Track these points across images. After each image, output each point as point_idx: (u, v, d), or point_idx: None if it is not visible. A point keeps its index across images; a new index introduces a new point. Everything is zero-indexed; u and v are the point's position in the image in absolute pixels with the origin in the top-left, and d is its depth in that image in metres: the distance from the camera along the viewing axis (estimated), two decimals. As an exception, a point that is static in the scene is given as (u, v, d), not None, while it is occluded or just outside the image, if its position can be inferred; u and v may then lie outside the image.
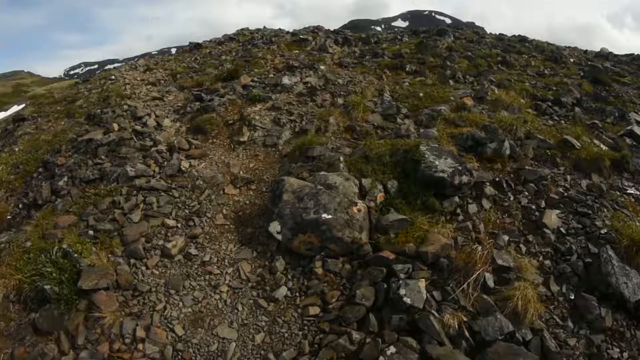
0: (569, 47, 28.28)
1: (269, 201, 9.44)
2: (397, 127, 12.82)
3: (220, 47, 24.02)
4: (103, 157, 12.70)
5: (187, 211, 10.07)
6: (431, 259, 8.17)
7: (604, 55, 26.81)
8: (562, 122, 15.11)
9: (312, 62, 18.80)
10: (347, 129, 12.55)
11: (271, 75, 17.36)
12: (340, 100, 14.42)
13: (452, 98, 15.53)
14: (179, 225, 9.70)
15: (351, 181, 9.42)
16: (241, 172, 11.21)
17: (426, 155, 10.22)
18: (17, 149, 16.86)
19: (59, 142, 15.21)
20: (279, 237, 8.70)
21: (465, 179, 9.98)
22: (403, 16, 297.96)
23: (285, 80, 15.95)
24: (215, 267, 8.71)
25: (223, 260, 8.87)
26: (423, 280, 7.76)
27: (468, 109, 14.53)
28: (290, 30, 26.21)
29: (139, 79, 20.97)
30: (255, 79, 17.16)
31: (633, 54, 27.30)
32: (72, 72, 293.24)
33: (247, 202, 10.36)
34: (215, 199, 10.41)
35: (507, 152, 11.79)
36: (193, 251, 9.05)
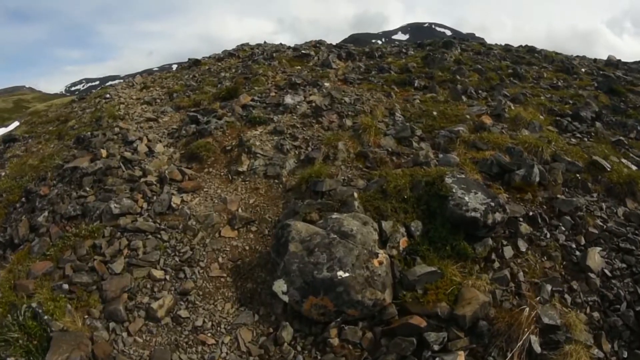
0: (578, 56, 26.67)
1: (273, 250, 7.71)
2: (414, 152, 11.17)
3: (219, 64, 22.39)
4: (88, 188, 11.10)
5: (177, 259, 8.39)
6: (469, 322, 6.62)
7: (613, 63, 25.23)
8: (586, 139, 13.70)
9: (316, 79, 17.16)
10: (358, 155, 10.88)
11: (272, 94, 15.72)
12: (348, 122, 12.76)
13: (467, 116, 13.91)
14: (168, 277, 8.02)
15: (370, 226, 7.72)
16: (240, 210, 9.52)
17: (454, 190, 8.57)
18: (3, 174, 15.38)
19: (45, 168, 13.70)
20: (285, 298, 6.97)
21: (498, 216, 8.38)
22: (403, 29, 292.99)
23: (288, 99, 14.30)
24: (209, 334, 7.00)
25: (219, 325, 7.16)
26: (462, 353, 6.15)
27: (487, 128, 12.92)
28: (292, 45, 24.58)
29: (134, 97, 19.38)
30: (256, 97, 15.52)
31: (641, 60, 25.80)
32: (73, 89, 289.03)
33: (247, 247, 8.66)
34: (210, 244, 8.74)
35: (537, 179, 10.19)
36: (183, 313, 7.35)
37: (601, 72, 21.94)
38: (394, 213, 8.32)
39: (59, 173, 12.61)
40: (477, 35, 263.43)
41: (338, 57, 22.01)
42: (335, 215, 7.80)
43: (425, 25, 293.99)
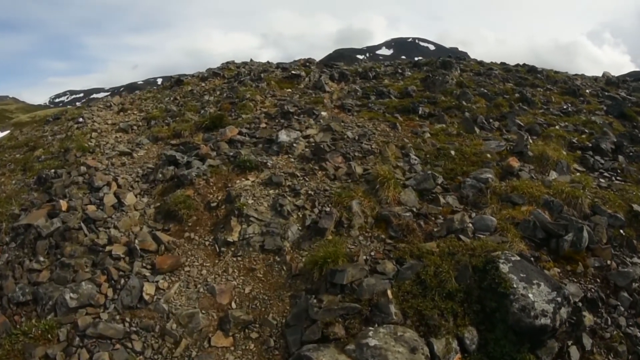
0: (577, 74, 24.63)
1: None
2: (442, 210, 8.86)
3: (203, 84, 19.75)
4: (42, 258, 8.64)
5: (154, 383, 5.86)
6: None
7: (613, 82, 23.41)
8: (614, 178, 12.06)
9: (310, 106, 14.72)
10: (377, 219, 8.46)
11: (263, 125, 13.25)
12: (358, 169, 10.36)
13: (488, 155, 11.79)
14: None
15: (419, 353, 5.29)
16: (233, 304, 7.01)
17: (514, 285, 6.27)
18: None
19: (0, 217, 11.06)
20: None
21: (564, 312, 6.40)
22: (387, 44, 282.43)
23: (283, 136, 11.86)
24: None
25: None
26: None
27: (516, 173, 10.79)
28: (279, 64, 22.03)
29: (109, 122, 16.73)
30: (244, 129, 13.04)
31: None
32: (57, 100, 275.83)
33: (247, 366, 6.15)
34: (197, 357, 6.22)
35: (586, 243, 8.21)
36: None
37: (606, 94, 20.01)
38: (441, 319, 5.93)
39: (13, 227, 10.01)
40: (460, 49, 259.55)
41: (330, 78, 19.60)
42: (372, 342, 5.30)
43: (409, 40, 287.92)
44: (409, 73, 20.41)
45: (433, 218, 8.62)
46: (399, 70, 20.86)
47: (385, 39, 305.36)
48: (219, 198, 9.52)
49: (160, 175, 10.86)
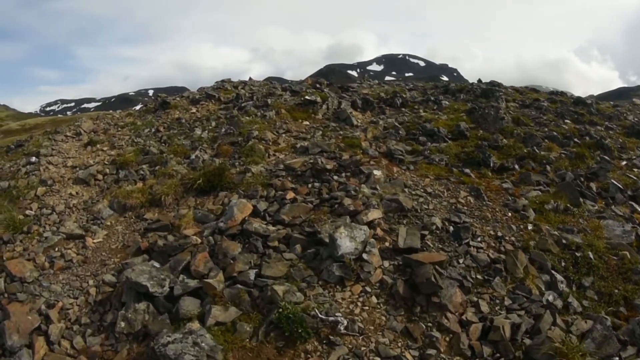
0: (617, 105, 19.58)
1: None
2: None
3: (194, 110, 14.07)
4: None
5: None
6: None
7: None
8: None
9: (351, 156, 9.50)
10: None
11: (290, 195, 7.90)
12: (505, 327, 5.02)
13: (628, 255, 6.93)
14: None
15: None
16: None
17: None
18: None
19: None
20: None
21: None
22: (378, 60, 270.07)
23: (344, 240, 6.28)
24: None
25: None
26: None
27: None
28: (287, 86, 16.36)
29: (69, 163, 11.05)
30: (261, 203, 7.65)
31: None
32: (48, 109, 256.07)
33: None
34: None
35: None
36: None
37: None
38: None
39: None
40: (450, 65, 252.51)
41: (353, 105, 14.23)
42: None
43: (400, 56, 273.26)
44: (446, 102, 15.08)
45: None
46: (432, 98, 15.51)
47: (376, 55, 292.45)
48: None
49: (122, 325, 5.34)
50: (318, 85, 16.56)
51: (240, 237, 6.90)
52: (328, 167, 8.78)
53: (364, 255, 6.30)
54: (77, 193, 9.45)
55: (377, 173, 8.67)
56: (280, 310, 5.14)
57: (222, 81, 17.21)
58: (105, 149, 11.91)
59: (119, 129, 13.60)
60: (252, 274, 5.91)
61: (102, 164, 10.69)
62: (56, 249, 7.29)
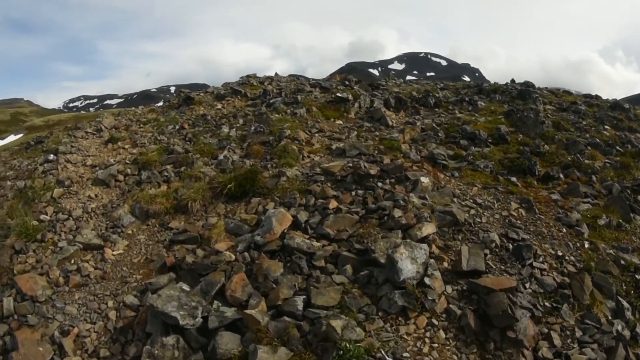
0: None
1: None
2: None
3: (219, 106, 13.10)
4: None
5: None
6: None
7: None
8: None
9: (393, 160, 8.47)
10: None
11: (333, 205, 6.91)
12: None
13: None
14: None
15: None
16: None
17: None
18: None
19: None
20: None
21: None
22: (399, 58, 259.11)
23: (405, 262, 5.22)
24: None
25: None
26: None
27: None
28: (315, 82, 15.31)
29: (89, 162, 10.12)
30: (301, 213, 6.63)
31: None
32: (71, 105, 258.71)
33: None
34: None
35: None
36: None
37: None
38: None
39: None
40: (472, 65, 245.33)
41: (385, 104, 13.14)
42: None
43: (421, 55, 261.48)
44: (482, 103, 13.92)
45: None
46: (466, 98, 14.35)
47: (397, 53, 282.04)
48: None
49: None
50: (347, 82, 15.49)
51: (280, 254, 5.88)
52: (372, 172, 7.72)
53: (426, 280, 5.28)
54: (96, 195, 8.51)
55: (424, 180, 7.60)
56: (341, 352, 4.11)
57: (247, 76, 16.18)
58: (126, 146, 10.96)
59: (141, 125, 12.67)
60: (299, 302, 4.88)
61: (123, 164, 9.73)
62: (72, 262, 6.35)
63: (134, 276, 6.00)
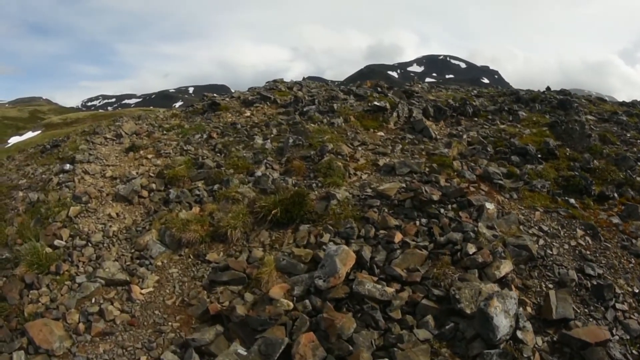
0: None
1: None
2: None
3: (249, 114, 11.90)
4: None
5: None
6: None
7: None
8: None
9: (454, 185, 7.24)
10: None
11: (397, 238, 5.71)
12: None
13: None
14: None
15: None
16: None
17: None
18: None
19: None
20: None
21: None
22: (418, 61, 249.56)
23: (499, 318, 4.18)
24: None
25: None
26: None
27: None
28: (348, 89, 13.98)
29: (108, 175, 8.95)
30: (365, 254, 5.46)
31: None
32: (89, 104, 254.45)
33: None
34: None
35: None
36: None
37: None
38: None
39: None
40: (491, 67, 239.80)
41: (424, 113, 11.94)
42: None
43: (440, 57, 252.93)
44: (523, 114, 12.67)
45: None
46: (505, 108, 13.10)
47: (416, 56, 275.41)
48: None
49: None
50: (380, 89, 14.29)
51: (347, 301, 4.70)
52: (434, 198, 6.52)
53: (518, 334, 4.26)
54: (117, 215, 7.34)
55: (489, 207, 6.43)
56: None
57: (274, 81, 14.98)
58: (149, 156, 9.80)
59: (164, 132, 11.52)
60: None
61: (147, 177, 8.57)
62: (93, 301, 5.19)
63: (170, 323, 4.84)
